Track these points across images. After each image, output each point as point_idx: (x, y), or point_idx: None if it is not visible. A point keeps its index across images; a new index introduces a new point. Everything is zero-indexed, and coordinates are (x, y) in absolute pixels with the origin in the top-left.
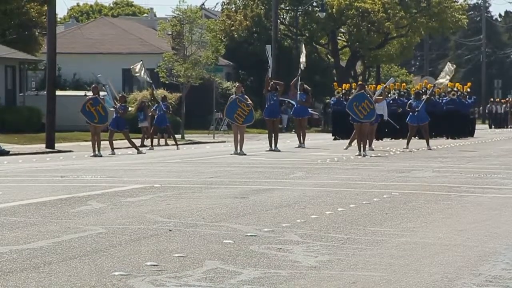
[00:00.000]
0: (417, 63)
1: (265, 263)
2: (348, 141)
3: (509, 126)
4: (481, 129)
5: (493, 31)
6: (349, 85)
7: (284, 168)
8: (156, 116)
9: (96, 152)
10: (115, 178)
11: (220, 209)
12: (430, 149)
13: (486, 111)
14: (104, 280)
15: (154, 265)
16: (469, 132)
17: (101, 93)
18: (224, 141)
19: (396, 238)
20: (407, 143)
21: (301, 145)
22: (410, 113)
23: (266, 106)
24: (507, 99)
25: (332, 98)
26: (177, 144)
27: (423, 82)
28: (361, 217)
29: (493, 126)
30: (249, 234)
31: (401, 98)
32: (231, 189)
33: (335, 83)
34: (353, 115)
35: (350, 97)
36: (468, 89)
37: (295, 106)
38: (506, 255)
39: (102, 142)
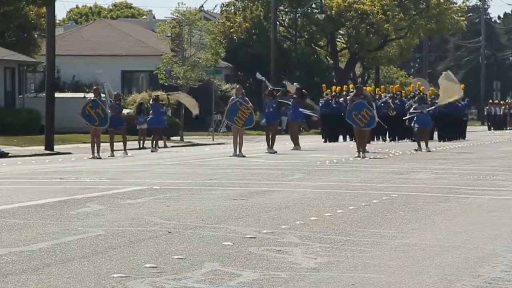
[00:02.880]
0: (416, 65)
1: (264, 265)
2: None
3: (508, 128)
4: (480, 130)
5: (492, 32)
6: (339, 87)
7: (283, 170)
8: (152, 117)
9: (95, 154)
10: (114, 180)
11: (219, 211)
12: (429, 151)
13: (485, 112)
14: (103, 282)
15: (153, 267)
16: (461, 134)
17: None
18: (223, 143)
19: (395, 240)
20: (426, 145)
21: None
22: (416, 116)
23: (266, 111)
24: (506, 100)
25: (321, 101)
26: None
27: (416, 84)
28: (360, 219)
29: (492, 128)
30: (248, 236)
31: (396, 101)
32: (230, 191)
33: (323, 85)
34: (353, 124)
35: (348, 106)
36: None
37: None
38: (505, 256)
39: (101, 144)
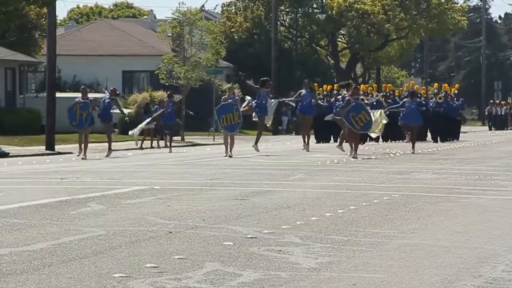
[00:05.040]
0: (417, 65)
1: (265, 265)
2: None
3: (509, 128)
4: (481, 131)
5: (493, 32)
6: (330, 86)
7: (284, 170)
8: (167, 114)
9: (82, 155)
10: (115, 180)
11: (220, 211)
12: (414, 153)
13: (486, 112)
14: (104, 282)
15: (154, 267)
16: (455, 135)
17: (100, 95)
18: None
19: (396, 240)
20: (412, 145)
21: (306, 147)
22: (402, 113)
23: (258, 103)
24: (508, 101)
25: (312, 100)
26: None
27: (409, 83)
28: (361, 219)
29: (493, 128)
30: (249, 236)
31: (388, 100)
32: (231, 191)
33: (315, 84)
34: (349, 125)
35: (347, 107)
36: (456, 91)
37: (302, 103)
38: (506, 256)
39: (99, 144)
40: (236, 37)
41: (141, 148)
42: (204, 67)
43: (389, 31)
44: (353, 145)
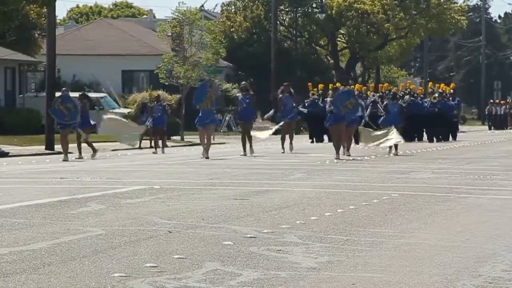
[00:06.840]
0: (417, 65)
1: (264, 264)
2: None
3: (508, 128)
4: (481, 130)
5: (493, 32)
6: (322, 85)
7: (283, 170)
8: (157, 118)
9: (66, 157)
10: (115, 180)
11: (219, 210)
12: (397, 155)
13: (486, 112)
14: (103, 281)
15: (153, 267)
16: (452, 135)
17: (99, 95)
18: (224, 143)
19: (395, 240)
20: (395, 147)
21: (282, 149)
22: (383, 116)
23: (239, 109)
24: (507, 100)
25: (306, 100)
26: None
27: (406, 83)
28: (361, 219)
29: (492, 128)
30: (248, 236)
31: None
32: (231, 190)
33: (309, 84)
34: (338, 113)
35: (328, 106)
36: (452, 90)
37: (285, 108)
38: (505, 256)
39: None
40: (235, 36)
41: (140, 148)
42: (204, 67)
43: (389, 30)
44: (345, 144)
